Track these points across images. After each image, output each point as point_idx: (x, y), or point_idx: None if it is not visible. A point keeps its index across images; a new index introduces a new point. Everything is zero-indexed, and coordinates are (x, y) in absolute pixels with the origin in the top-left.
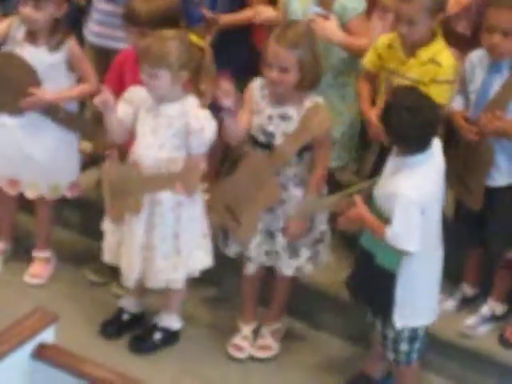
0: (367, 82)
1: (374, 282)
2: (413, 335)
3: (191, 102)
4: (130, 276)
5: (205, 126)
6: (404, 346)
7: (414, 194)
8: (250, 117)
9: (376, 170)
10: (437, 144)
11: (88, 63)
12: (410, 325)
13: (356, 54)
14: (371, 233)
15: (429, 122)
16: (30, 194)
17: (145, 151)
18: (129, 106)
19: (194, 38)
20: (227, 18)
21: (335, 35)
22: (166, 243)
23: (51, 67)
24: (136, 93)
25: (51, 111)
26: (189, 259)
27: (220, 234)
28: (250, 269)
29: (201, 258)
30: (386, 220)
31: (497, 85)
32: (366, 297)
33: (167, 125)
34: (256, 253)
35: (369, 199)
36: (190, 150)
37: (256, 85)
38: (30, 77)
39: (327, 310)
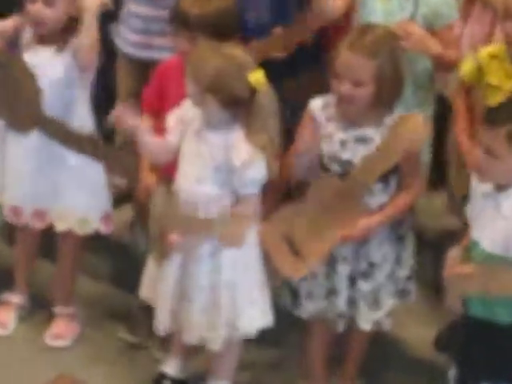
0: (466, 96)
1: (499, 348)
2: None
3: (236, 135)
4: (160, 325)
5: (248, 164)
6: None
7: None
8: (309, 142)
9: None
10: None
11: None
12: None
13: (445, 68)
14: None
15: None
16: (61, 226)
17: (181, 181)
18: (178, 124)
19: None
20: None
21: (433, 45)
22: (203, 295)
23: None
24: (187, 109)
25: (70, 139)
26: (236, 318)
27: (288, 295)
28: (341, 326)
29: (254, 317)
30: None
31: None
32: (480, 367)
33: (210, 155)
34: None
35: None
36: (235, 190)
37: (317, 105)
38: (32, 85)
39: (394, 368)
